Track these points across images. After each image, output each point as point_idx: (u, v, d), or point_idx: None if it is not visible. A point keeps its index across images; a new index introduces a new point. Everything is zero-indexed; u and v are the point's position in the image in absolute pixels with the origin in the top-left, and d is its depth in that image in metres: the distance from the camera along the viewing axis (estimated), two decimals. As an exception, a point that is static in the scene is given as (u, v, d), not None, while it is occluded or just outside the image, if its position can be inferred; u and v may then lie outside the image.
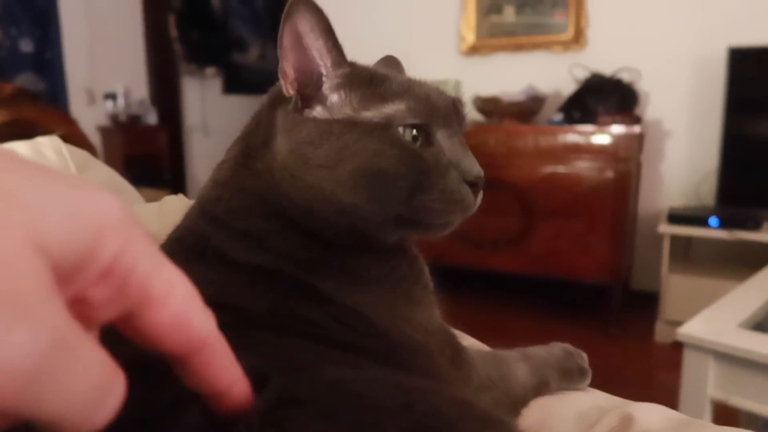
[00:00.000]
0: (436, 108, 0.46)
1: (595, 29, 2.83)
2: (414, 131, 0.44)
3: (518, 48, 3.01)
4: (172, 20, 4.44)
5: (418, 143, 0.44)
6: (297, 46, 0.44)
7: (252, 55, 5.09)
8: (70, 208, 0.17)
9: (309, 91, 0.45)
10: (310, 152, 0.43)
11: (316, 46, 0.44)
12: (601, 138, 2.42)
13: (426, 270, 0.50)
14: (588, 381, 0.58)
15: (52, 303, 0.15)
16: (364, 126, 0.43)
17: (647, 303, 2.54)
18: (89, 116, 3.81)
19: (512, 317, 2.64)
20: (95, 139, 3.80)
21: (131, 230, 0.19)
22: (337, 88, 0.45)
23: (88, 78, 3.79)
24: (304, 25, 0.43)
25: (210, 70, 4.83)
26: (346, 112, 0.44)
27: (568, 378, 0.57)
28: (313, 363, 0.33)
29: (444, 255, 2.72)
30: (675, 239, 2.39)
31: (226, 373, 0.22)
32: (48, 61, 3.63)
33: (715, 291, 1.61)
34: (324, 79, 0.45)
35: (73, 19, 3.68)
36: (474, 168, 0.45)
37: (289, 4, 0.42)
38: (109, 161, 0.81)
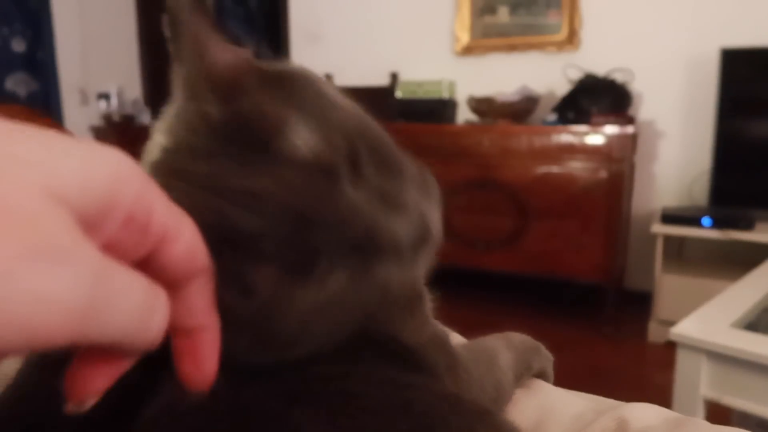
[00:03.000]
0: None
1: (588, 30, 2.84)
2: None
3: (512, 48, 3.01)
4: (165, 20, 4.43)
5: None
6: None
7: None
8: (80, 159, 0.18)
9: None
10: None
11: None
12: (595, 138, 2.43)
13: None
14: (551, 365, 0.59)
15: (84, 244, 0.17)
16: None
17: (640, 303, 2.55)
18: (82, 116, 3.79)
19: (506, 317, 2.64)
20: (88, 139, 3.78)
21: (143, 176, 0.20)
22: None
23: (81, 78, 3.77)
24: None
25: (204, 70, 4.81)
26: None
27: (544, 357, 0.58)
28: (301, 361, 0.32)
29: (438, 255, 2.72)
30: (668, 239, 2.40)
31: (208, 304, 0.24)
32: (40, 61, 3.61)
33: (708, 291, 1.62)
34: None
35: (66, 18, 3.66)
36: None
37: None
38: (102, 161, 0.79)
